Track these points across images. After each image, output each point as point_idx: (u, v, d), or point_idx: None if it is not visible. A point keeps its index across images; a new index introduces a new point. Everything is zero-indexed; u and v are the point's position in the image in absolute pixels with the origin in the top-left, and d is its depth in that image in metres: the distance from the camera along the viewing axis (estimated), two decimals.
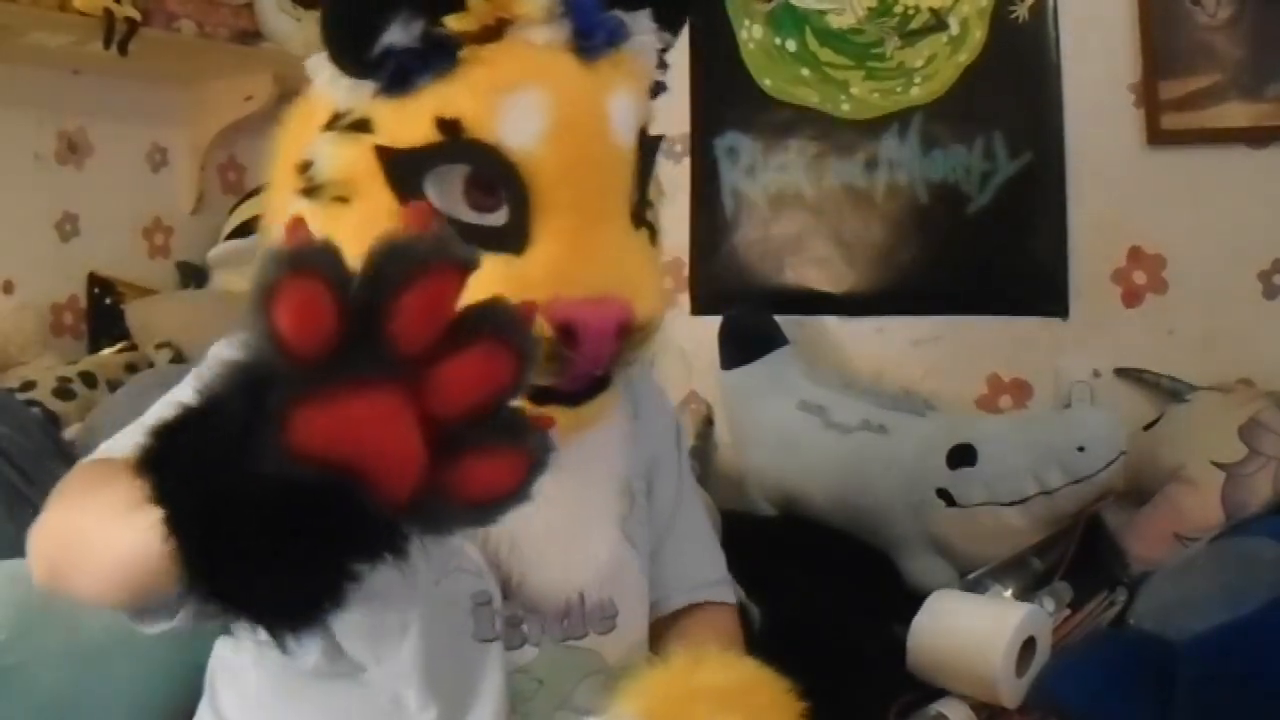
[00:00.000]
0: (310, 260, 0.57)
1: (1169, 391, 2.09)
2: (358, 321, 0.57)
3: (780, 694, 1.06)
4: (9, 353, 2.43)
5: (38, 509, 1.79)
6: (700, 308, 2.66)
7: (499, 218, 1.01)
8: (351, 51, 1.01)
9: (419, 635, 1.05)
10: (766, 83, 2.55)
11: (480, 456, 0.61)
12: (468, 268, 0.61)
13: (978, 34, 2.31)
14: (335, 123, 1.04)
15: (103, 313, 2.68)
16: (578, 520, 1.11)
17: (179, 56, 2.60)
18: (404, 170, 1.00)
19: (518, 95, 1.00)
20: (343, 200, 1.02)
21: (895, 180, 2.42)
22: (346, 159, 1.02)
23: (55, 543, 0.97)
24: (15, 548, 1.68)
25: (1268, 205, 2.06)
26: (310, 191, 1.04)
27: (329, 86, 1.04)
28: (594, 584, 1.13)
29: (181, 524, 0.59)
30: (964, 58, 2.33)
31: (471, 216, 1.01)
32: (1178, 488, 1.87)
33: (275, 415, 0.56)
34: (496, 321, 0.62)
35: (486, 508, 0.63)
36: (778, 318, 2.44)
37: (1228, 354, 2.08)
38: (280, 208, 1.09)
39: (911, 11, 2.37)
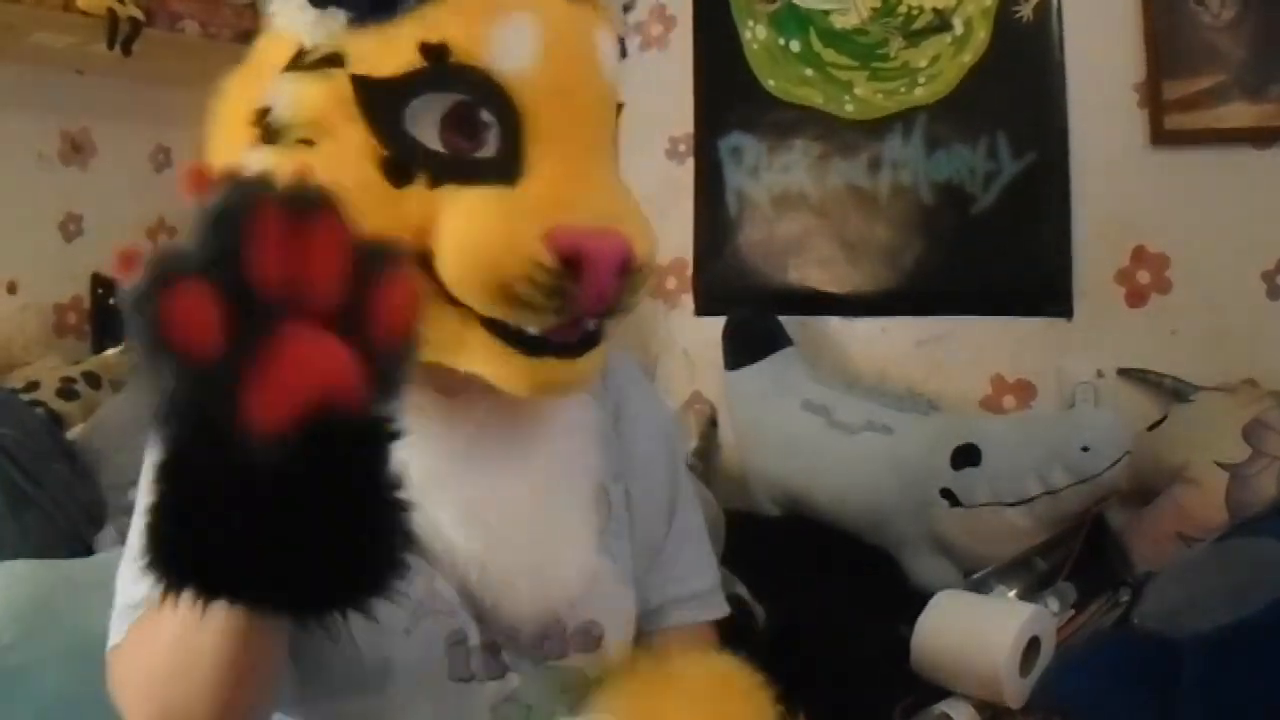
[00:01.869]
0: (165, 267, 0.60)
1: (1173, 392, 2.09)
2: (233, 296, 0.60)
3: (749, 690, 1.04)
4: (12, 353, 2.43)
5: (41, 509, 1.81)
6: (704, 308, 2.66)
7: (488, 150, 0.95)
8: None
9: (394, 684, 1.02)
10: (770, 83, 2.55)
11: (380, 297, 0.67)
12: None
13: (981, 34, 2.31)
14: (299, 60, 0.97)
15: (106, 313, 2.69)
16: (546, 535, 1.06)
17: (182, 57, 2.60)
18: (383, 102, 0.94)
19: (508, 18, 0.95)
20: (309, 142, 0.95)
21: (899, 181, 2.42)
22: (314, 96, 0.95)
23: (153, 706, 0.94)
24: (19, 548, 1.69)
25: (1272, 205, 2.06)
26: (271, 137, 0.96)
27: (294, 20, 0.97)
28: (567, 605, 1.08)
29: (226, 572, 0.64)
30: (968, 58, 2.33)
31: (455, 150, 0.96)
32: (1182, 488, 1.87)
33: (226, 419, 0.61)
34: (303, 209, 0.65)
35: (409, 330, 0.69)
36: (781, 318, 2.45)
37: (1232, 354, 2.08)
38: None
39: (915, 12, 2.37)
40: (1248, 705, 1.27)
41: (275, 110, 0.95)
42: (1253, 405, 1.88)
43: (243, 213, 0.61)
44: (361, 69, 0.94)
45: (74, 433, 2.12)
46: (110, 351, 2.52)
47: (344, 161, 0.93)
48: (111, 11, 2.35)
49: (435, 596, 1.03)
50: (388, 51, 0.94)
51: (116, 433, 1.98)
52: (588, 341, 1.00)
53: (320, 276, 0.64)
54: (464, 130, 0.95)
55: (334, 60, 0.95)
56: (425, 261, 0.94)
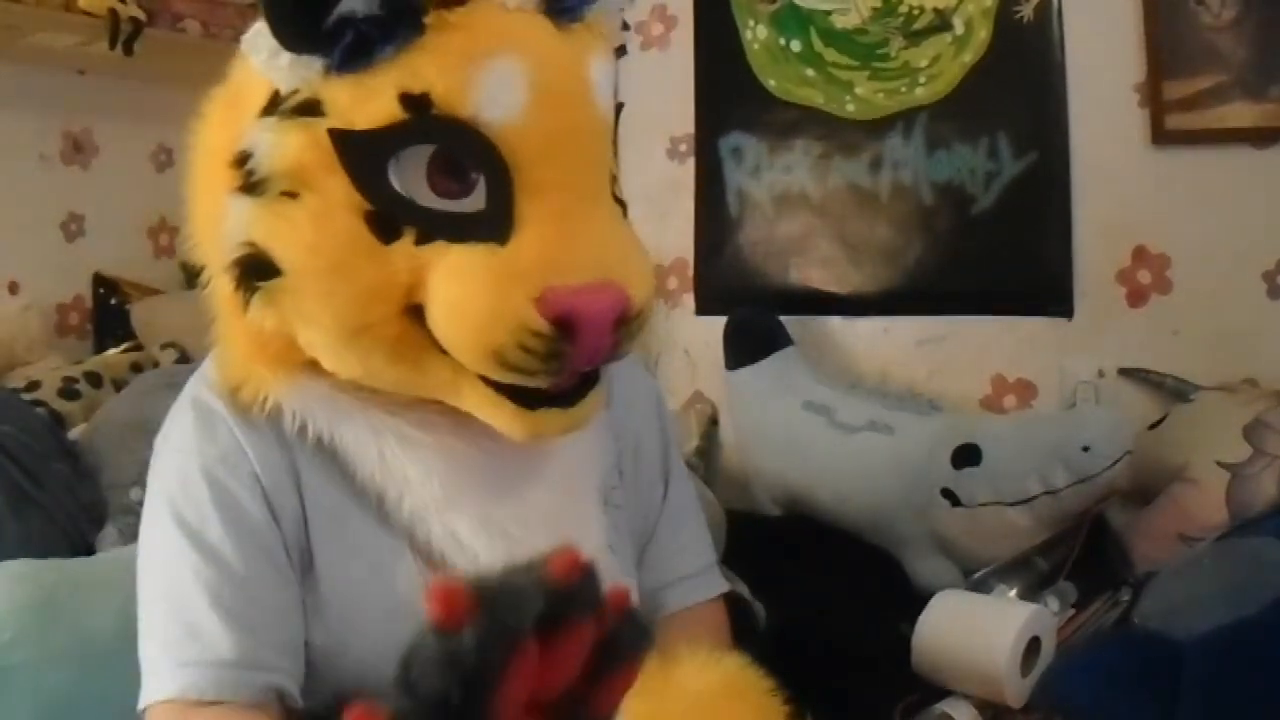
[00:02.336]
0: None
1: (1173, 391, 2.09)
2: None
3: (761, 694, 1.03)
4: (14, 353, 2.43)
5: (43, 509, 1.81)
6: (705, 308, 2.66)
7: (474, 203, 0.92)
8: (303, 22, 0.89)
9: None
10: (771, 83, 2.55)
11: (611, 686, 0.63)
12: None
13: (982, 34, 2.31)
14: (276, 106, 0.93)
15: (108, 313, 2.69)
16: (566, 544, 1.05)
17: (184, 57, 2.59)
18: (365, 155, 0.90)
19: (493, 64, 0.90)
20: (291, 195, 0.91)
21: (900, 180, 2.42)
22: (294, 146, 0.91)
23: None
24: (21, 548, 1.69)
25: (1272, 205, 2.06)
26: (252, 187, 0.92)
27: (268, 65, 0.93)
28: None
29: None
30: (968, 58, 2.33)
31: (440, 203, 0.91)
32: (1182, 487, 1.87)
33: None
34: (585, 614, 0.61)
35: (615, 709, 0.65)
36: (782, 318, 2.45)
37: (1232, 354, 2.08)
38: (210, 211, 0.98)
39: (916, 11, 2.37)
40: (1248, 705, 1.27)
41: (255, 158, 0.93)
42: (1253, 405, 1.88)
43: (503, 654, 0.56)
44: (340, 121, 0.91)
45: (75, 432, 2.12)
46: (111, 351, 2.52)
47: (328, 216, 0.91)
48: (113, 11, 2.35)
49: None
50: (367, 102, 0.90)
51: (118, 433, 1.98)
52: (585, 386, 0.99)
53: (560, 684, 0.60)
54: (451, 173, 0.92)
55: (312, 108, 0.92)
56: (416, 313, 0.93)
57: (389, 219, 0.91)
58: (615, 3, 1.04)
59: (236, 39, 0.98)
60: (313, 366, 1.00)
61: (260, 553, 1.01)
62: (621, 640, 0.63)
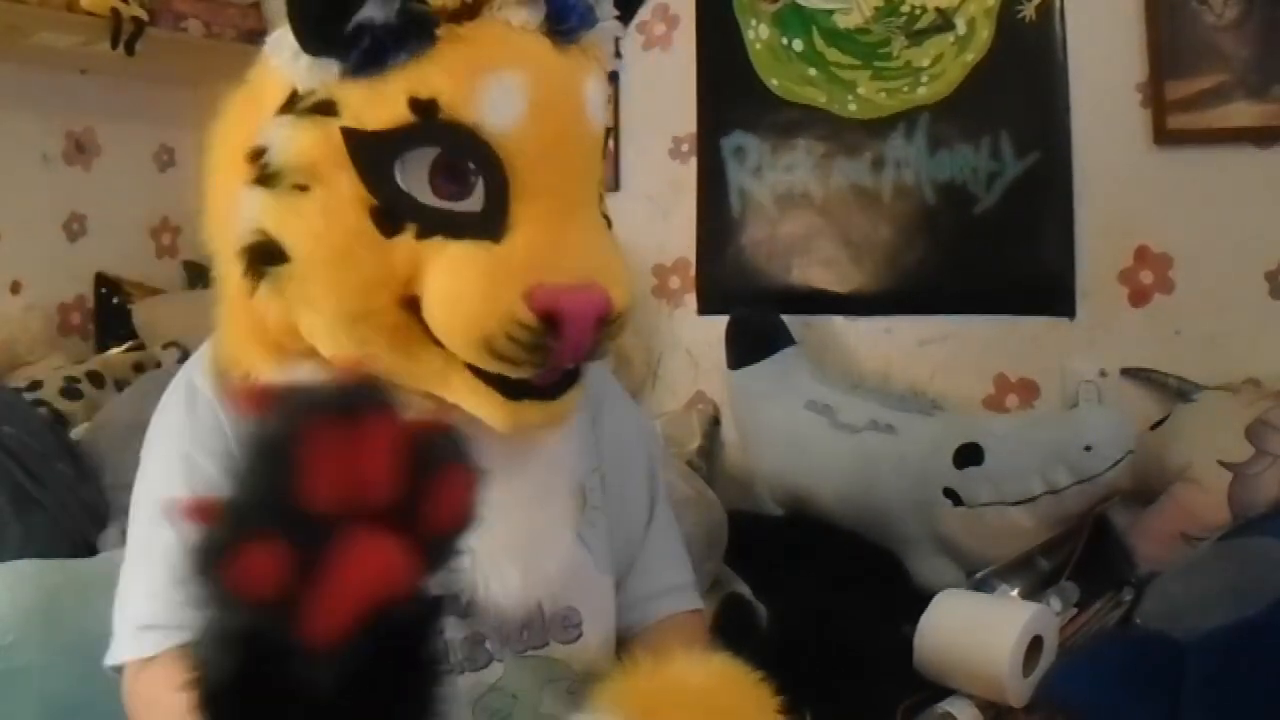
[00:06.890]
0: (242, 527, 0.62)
1: (1176, 391, 2.09)
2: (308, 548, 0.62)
3: (751, 689, 1.04)
4: (16, 353, 2.44)
5: (45, 509, 1.81)
6: (707, 307, 2.66)
7: (472, 203, 0.98)
8: (324, 27, 0.95)
9: None
10: (773, 82, 2.55)
11: (438, 504, 0.67)
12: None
13: (984, 34, 2.31)
14: (294, 105, 0.99)
15: (110, 312, 2.70)
16: (534, 529, 1.09)
17: (186, 56, 2.61)
18: (373, 154, 0.96)
19: (497, 76, 0.97)
20: (302, 188, 0.97)
21: (902, 180, 2.42)
22: (307, 143, 0.97)
23: None
24: (23, 548, 1.69)
25: (1274, 205, 2.05)
26: (265, 180, 0.98)
27: (288, 66, 0.99)
28: (549, 594, 1.11)
29: None
30: (971, 57, 2.33)
31: (440, 203, 0.97)
32: (1184, 487, 1.87)
33: (287, 639, 0.62)
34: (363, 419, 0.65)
35: (468, 516, 0.70)
36: (784, 317, 2.45)
37: (1234, 354, 2.08)
38: (225, 203, 1.03)
39: (918, 11, 2.37)
40: (1250, 705, 1.27)
41: (270, 152, 0.98)
42: (1256, 405, 1.87)
43: (295, 441, 0.62)
44: (352, 121, 0.97)
45: (77, 432, 2.12)
46: (113, 351, 2.53)
47: (336, 209, 0.97)
48: (115, 11, 2.35)
49: None
50: (378, 104, 0.96)
51: (120, 432, 1.98)
52: (566, 382, 1.04)
53: (375, 480, 0.65)
54: (453, 176, 0.98)
55: (327, 108, 0.98)
56: (413, 305, 0.98)
57: (392, 214, 0.97)
58: (610, 30, 1.09)
59: (238, 39, 1.02)
60: (308, 356, 1.04)
61: None
62: (436, 447, 0.68)
